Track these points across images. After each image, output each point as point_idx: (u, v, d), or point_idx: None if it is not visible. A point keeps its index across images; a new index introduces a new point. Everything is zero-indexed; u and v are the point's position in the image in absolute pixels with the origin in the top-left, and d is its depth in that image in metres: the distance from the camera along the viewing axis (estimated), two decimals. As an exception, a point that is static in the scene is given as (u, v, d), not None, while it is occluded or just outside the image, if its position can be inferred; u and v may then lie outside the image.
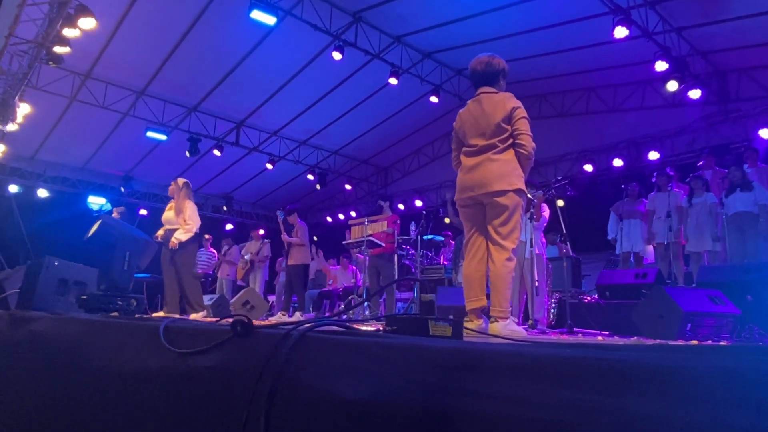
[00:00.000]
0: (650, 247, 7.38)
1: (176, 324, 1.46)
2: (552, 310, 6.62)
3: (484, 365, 0.67)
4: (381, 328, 1.49)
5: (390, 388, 0.74)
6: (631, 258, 7.31)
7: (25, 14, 6.14)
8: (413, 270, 7.72)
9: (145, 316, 3.03)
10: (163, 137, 11.28)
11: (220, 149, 11.80)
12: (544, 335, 4.22)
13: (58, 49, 6.29)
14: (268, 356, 0.99)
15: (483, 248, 3.26)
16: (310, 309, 8.88)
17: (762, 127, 8.17)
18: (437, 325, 1.28)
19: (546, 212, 5.98)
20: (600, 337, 3.56)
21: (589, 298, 6.70)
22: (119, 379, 1.51)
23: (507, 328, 3.04)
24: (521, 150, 3.17)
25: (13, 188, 12.12)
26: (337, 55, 8.75)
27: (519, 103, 3.24)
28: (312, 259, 9.61)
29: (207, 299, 8.16)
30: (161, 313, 6.07)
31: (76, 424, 1.53)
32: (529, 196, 5.23)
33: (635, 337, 3.97)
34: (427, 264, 8.13)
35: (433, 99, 10.26)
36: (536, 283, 5.08)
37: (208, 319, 4.90)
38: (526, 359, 0.65)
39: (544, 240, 6.21)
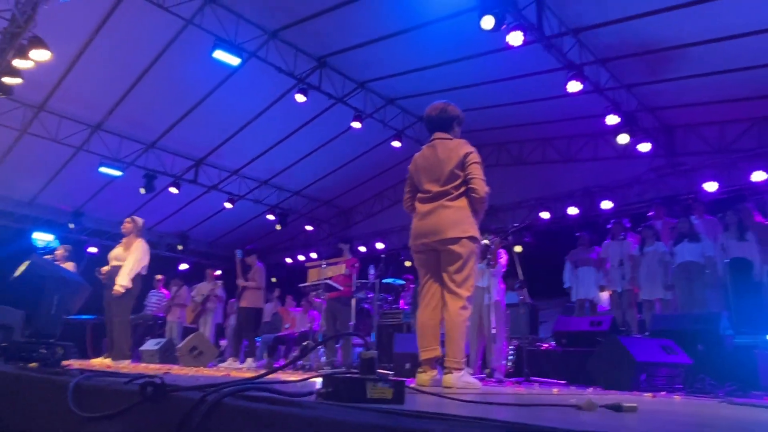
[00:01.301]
0: (604, 294, 7.50)
1: (88, 382, 1.32)
2: (510, 358, 6.57)
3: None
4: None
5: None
6: (586, 305, 7.39)
7: (-27, 43, 5.95)
8: (372, 314, 7.57)
9: (75, 365, 2.79)
10: (117, 173, 10.95)
11: (178, 187, 11.51)
12: (501, 385, 4.14)
13: (8, 80, 6.08)
14: (178, 426, 0.88)
15: (437, 296, 3.20)
16: (264, 355, 8.54)
17: (707, 180, 8.57)
18: (376, 387, 1.18)
19: (503, 258, 5.99)
20: (555, 389, 3.49)
21: (546, 345, 6.70)
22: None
23: (461, 379, 2.95)
24: (474, 194, 3.17)
25: (-50, 222, 11.45)
26: (300, 98, 8.79)
27: (472, 149, 3.26)
28: (267, 302, 9.33)
29: (154, 343, 7.77)
30: (107, 360, 5.68)
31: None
32: (485, 242, 5.26)
33: (591, 389, 3.93)
34: (386, 308, 7.99)
35: (396, 144, 10.38)
36: (494, 330, 5.03)
37: (135, 367, 4.61)
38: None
39: (503, 286, 6.20)
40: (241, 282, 7.08)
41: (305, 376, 1.64)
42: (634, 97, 8.60)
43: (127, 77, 8.93)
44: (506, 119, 10.23)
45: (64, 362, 2.74)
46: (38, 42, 5.77)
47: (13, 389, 1.60)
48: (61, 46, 7.36)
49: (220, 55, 7.88)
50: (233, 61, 8.06)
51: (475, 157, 3.24)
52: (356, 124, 9.57)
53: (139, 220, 6.29)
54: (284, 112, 9.93)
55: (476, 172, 3.20)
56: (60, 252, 8.07)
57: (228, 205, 12.32)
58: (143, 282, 6.29)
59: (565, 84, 7.23)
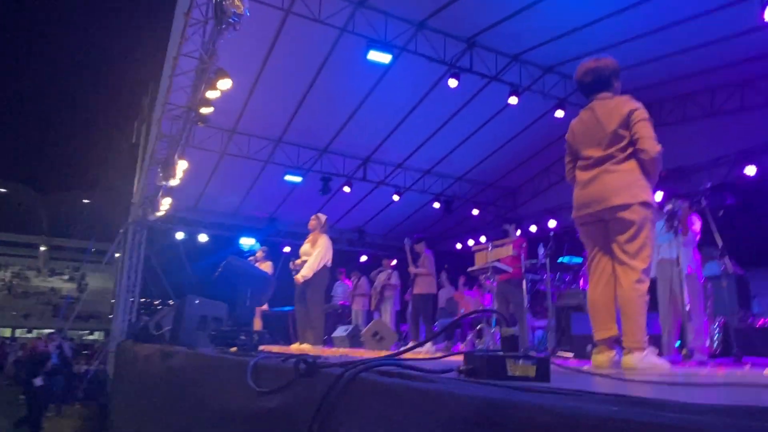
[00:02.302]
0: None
1: (264, 362, 1.50)
2: (715, 337, 5.75)
3: (509, 424, 0.56)
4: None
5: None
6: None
7: (175, 83, 7.11)
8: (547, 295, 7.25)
9: (274, 350, 3.19)
10: (298, 179, 12.14)
11: (350, 185, 12.35)
12: (700, 367, 3.65)
13: (204, 110, 7.13)
14: (321, 400, 0.95)
15: (608, 270, 2.94)
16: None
17: None
18: (517, 365, 1.14)
19: (696, 225, 5.27)
20: (770, 371, 2.96)
21: (762, 321, 5.72)
22: (215, 415, 1.57)
23: (645, 360, 2.67)
24: (644, 156, 2.83)
25: (180, 235, 13.87)
26: (453, 83, 8.77)
27: (637, 105, 2.91)
28: (441, 288, 9.53)
29: (343, 330, 8.50)
30: (304, 346, 6.37)
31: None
32: (669, 206, 4.68)
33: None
34: (564, 289, 7.59)
35: (559, 113, 9.76)
36: (687, 308, 4.44)
37: (323, 351, 5.03)
38: (559, 418, 0.52)
39: (698, 257, 5.46)
40: (412, 269, 7.35)
41: (448, 355, 1.65)
42: None
43: (298, 92, 9.84)
44: (688, 66, 8.91)
45: (261, 347, 3.15)
46: (222, 73, 6.65)
47: (214, 369, 1.90)
48: (241, 73, 8.40)
49: (373, 55, 8.25)
50: (385, 59, 8.37)
51: (641, 113, 2.90)
52: (513, 100, 9.23)
53: (323, 217, 6.83)
54: (439, 100, 10.00)
55: (644, 131, 2.85)
56: (259, 253, 9.26)
57: (395, 198, 12.85)
58: (329, 274, 6.85)
59: (762, 12, 6.06)
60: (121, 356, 6.85)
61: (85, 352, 18.58)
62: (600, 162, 2.94)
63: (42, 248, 46.92)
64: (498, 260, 6.12)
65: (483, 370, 1.14)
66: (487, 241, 7.78)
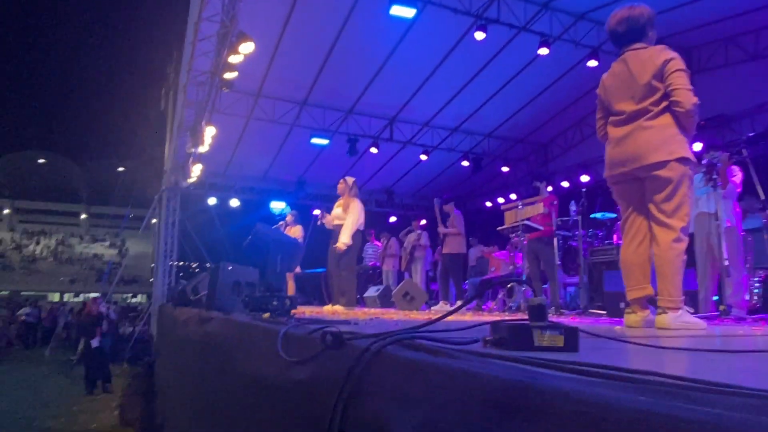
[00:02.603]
0: None
1: (294, 331, 1.52)
2: (756, 292, 5.61)
3: (530, 409, 0.54)
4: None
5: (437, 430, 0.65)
6: None
7: (198, 49, 7.08)
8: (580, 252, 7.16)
9: (307, 313, 3.25)
10: (325, 141, 12.11)
11: (377, 146, 12.26)
12: (740, 324, 3.57)
13: (228, 75, 7.11)
14: (346, 374, 0.96)
15: (643, 229, 2.86)
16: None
17: None
18: (544, 335, 1.12)
19: (737, 176, 5.07)
20: (814, 328, 2.88)
21: (806, 275, 5.52)
22: (248, 383, 1.62)
23: (679, 320, 2.62)
24: (678, 108, 2.68)
25: (212, 200, 14.13)
26: (480, 35, 8.47)
27: (672, 54, 2.74)
28: (471, 247, 9.52)
29: (374, 290, 8.62)
30: (336, 307, 6.48)
31: (214, 422, 1.69)
32: (707, 158, 4.51)
33: None
34: (597, 245, 7.48)
35: (592, 63, 9.35)
36: (726, 262, 4.31)
37: (355, 313, 5.12)
38: (585, 407, 0.50)
39: (738, 209, 5.27)
40: (441, 229, 7.34)
41: (476, 322, 1.64)
42: None
43: (321, 52, 9.69)
44: (731, 7, 8.35)
45: (294, 311, 3.22)
46: (244, 36, 6.57)
47: (246, 336, 1.94)
48: (263, 36, 8.29)
49: (396, 10, 8.01)
50: (409, 13, 8.12)
51: (677, 63, 2.73)
52: (543, 51, 8.88)
53: (350, 180, 6.81)
54: (465, 55, 9.72)
55: (679, 81, 2.69)
56: (289, 217, 9.36)
57: (423, 157, 12.72)
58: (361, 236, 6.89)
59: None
60: (162, 319, 7.13)
61: (131, 314, 19.48)
62: (633, 117, 2.81)
63: (83, 216, 48.65)
64: (528, 218, 6.04)
65: (509, 341, 1.13)
66: (518, 198, 7.67)
